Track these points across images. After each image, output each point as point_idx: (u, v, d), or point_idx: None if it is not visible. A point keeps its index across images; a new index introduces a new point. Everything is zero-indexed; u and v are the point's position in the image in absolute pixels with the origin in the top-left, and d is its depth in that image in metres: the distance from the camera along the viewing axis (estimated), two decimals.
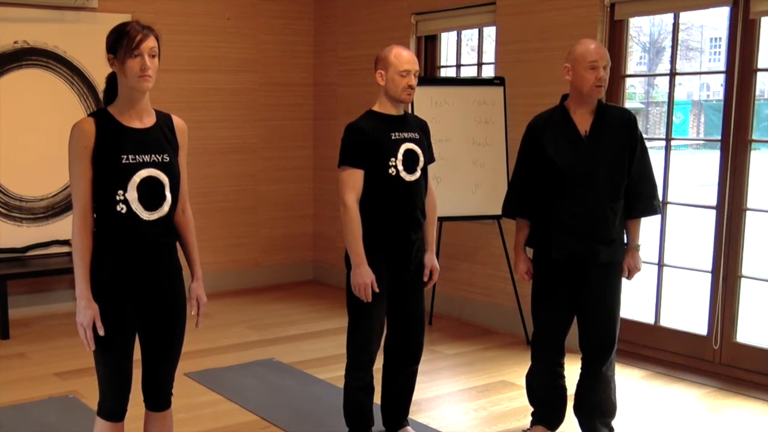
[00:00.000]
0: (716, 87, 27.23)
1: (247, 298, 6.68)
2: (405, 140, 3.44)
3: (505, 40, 5.56)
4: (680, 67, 25.59)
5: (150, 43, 2.55)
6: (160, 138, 2.66)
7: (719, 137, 4.70)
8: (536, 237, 3.56)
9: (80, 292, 2.57)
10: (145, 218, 2.59)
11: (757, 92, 4.62)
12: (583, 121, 3.43)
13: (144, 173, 2.58)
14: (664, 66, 25.87)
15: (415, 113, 4.84)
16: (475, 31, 6.28)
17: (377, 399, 3.67)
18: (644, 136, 3.50)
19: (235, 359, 5.00)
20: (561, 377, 3.68)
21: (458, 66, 6.45)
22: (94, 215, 2.60)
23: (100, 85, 2.74)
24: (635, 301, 5.41)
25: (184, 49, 6.46)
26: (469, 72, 7.38)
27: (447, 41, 6.46)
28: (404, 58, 3.38)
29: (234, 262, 6.95)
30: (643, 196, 3.46)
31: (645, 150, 3.48)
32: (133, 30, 2.54)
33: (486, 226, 5.67)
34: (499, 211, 3.85)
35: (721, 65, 4.99)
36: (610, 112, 3.47)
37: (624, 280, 3.55)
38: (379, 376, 3.65)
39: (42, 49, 5.91)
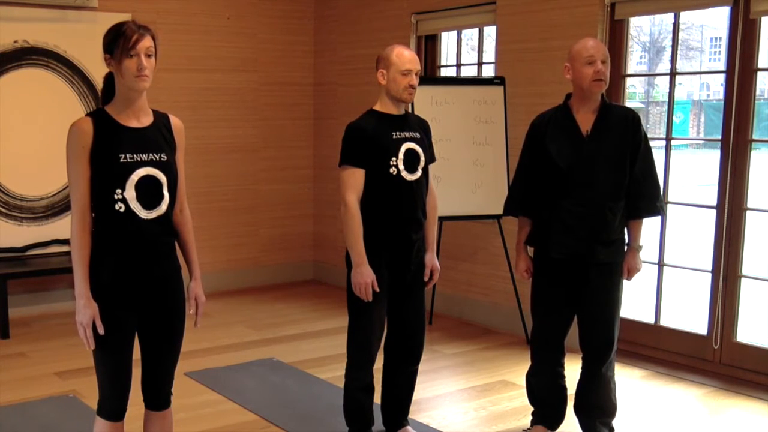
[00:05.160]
0: (716, 87, 27.23)
1: (247, 297, 6.67)
2: (406, 140, 3.44)
3: (505, 40, 5.56)
4: (680, 66, 25.59)
5: (146, 42, 2.56)
6: (158, 137, 2.66)
7: (719, 137, 4.70)
8: (536, 236, 3.56)
9: (79, 291, 2.57)
10: (143, 217, 2.60)
11: (757, 92, 4.61)
12: (585, 120, 3.43)
13: (142, 172, 2.58)
14: (665, 66, 25.86)
15: (416, 113, 4.83)
16: (475, 30, 6.28)
17: (377, 399, 3.67)
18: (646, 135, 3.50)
19: (235, 359, 5.00)
20: (561, 377, 3.68)
21: (458, 65, 6.45)
22: (93, 214, 2.60)
23: (100, 84, 2.74)
24: (635, 301, 5.40)
25: (184, 48, 6.46)
26: (469, 71, 7.38)
27: (447, 41, 6.46)
28: (406, 57, 3.38)
29: (234, 261, 6.95)
30: (645, 197, 3.45)
31: (649, 150, 3.47)
32: (129, 30, 2.55)
33: (486, 226, 5.67)
34: (499, 211, 3.86)
35: (721, 65, 5.00)
36: (613, 111, 3.46)
37: (624, 280, 3.55)
38: (379, 375, 3.65)
39: (42, 49, 5.91)
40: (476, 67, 6.39)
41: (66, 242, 5.95)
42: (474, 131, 5.49)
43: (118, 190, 2.55)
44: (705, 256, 5.05)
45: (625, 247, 3.52)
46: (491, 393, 4.46)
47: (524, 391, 3.84)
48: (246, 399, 4.31)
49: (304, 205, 7.32)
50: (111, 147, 2.55)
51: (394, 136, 3.41)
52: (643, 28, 26.66)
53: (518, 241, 3.66)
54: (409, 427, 3.73)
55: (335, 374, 4.55)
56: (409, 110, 3.70)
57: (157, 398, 2.83)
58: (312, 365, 4.89)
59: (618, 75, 5.03)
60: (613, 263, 3.46)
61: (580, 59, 3.35)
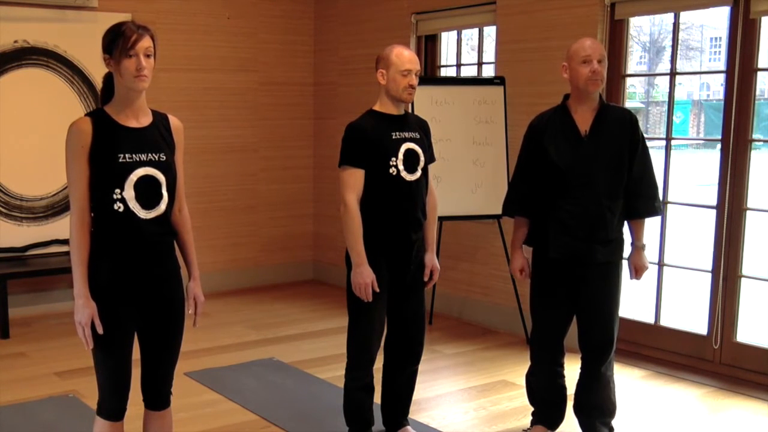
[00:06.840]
0: (716, 87, 27.24)
1: (247, 297, 6.68)
2: (406, 140, 3.44)
3: (505, 40, 5.56)
4: (680, 66, 25.59)
5: (145, 43, 2.56)
6: (157, 137, 2.67)
7: (719, 137, 4.70)
8: (535, 236, 3.56)
9: (78, 291, 2.57)
10: (142, 217, 2.60)
11: (757, 92, 4.61)
12: (583, 120, 3.43)
13: (141, 172, 2.58)
14: (665, 66, 25.86)
15: (416, 113, 4.83)
16: (475, 30, 6.28)
17: (377, 399, 3.67)
18: (644, 135, 3.50)
19: (235, 359, 5.00)
20: (561, 377, 3.68)
21: (458, 65, 6.45)
22: (92, 214, 2.60)
23: (100, 84, 2.74)
24: (635, 301, 5.40)
25: (184, 48, 6.46)
26: (469, 71, 7.38)
27: (447, 41, 6.46)
28: (405, 57, 3.38)
29: (234, 261, 6.95)
30: (643, 197, 3.46)
31: (646, 150, 3.48)
32: (128, 30, 2.55)
33: (486, 226, 5.67)
34: (499, 211, 3.86)
35: (721, 65, 5.00)
36: (611, 111, 3.46)
37: (625, 280, 3.55)
38: (379, 375, 3.65)
39: (42, 49, 5.91)
40: (476, 67, 6.39)
41: (66, 242, 5.95)
42: (474, 131, 5.49)
43: (117, 190, 2.56)
44: (705, 256, 5.05)
45: (623, 247, 3.52)
46: (491, 393, 4.46)
47: (524, 391, 3.84)
48: (246, 399, 4.31)
49: (305, 204, 7.32)
50: (110, 147, 2.56)
51: (393, 137, 3.41)
52: (643, 28, 26.68)
53: (514, 240, 3.65)
54: (409, 427, 3.73)
55: (335, 374, 4.55)
56: (409, 110, 3.70)
57: (157, 398, 2.83)
58: (312, 365, 4.89)
59: (618, 75, 5.03)
60: (611, 263, 3.46)
61: (576, 58, 3.36)
